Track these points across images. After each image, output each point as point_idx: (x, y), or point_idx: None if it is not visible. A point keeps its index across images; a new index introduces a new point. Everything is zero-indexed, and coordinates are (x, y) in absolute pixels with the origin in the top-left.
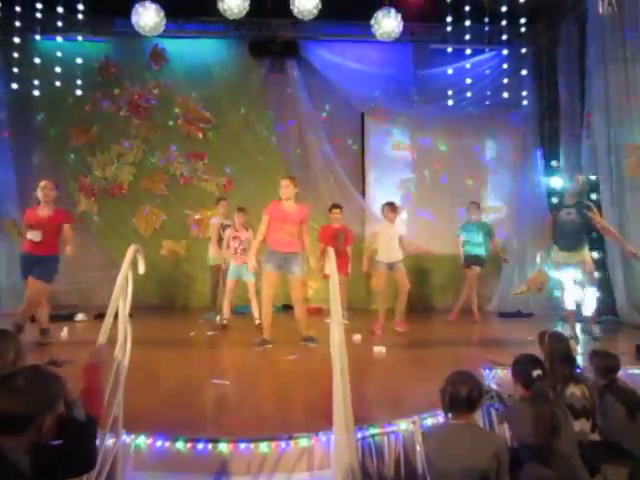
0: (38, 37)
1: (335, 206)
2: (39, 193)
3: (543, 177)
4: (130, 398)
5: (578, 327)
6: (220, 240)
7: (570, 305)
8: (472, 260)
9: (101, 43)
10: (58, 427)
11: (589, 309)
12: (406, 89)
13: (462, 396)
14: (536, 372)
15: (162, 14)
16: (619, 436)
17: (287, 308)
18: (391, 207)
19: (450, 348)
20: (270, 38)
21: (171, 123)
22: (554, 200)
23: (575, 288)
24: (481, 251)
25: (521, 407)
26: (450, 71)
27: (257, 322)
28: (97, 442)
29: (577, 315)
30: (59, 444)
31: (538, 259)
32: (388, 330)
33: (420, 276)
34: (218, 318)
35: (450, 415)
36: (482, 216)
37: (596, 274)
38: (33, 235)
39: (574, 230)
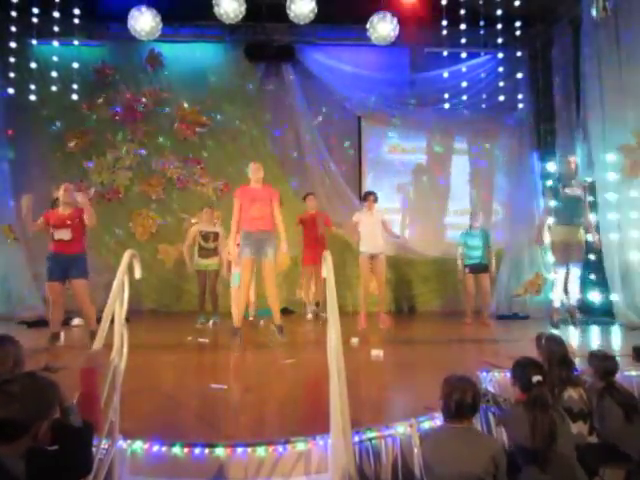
0: (34, 42)
1: (309, 193)
2: (61, 194)
3: (539, 179)
4: (127, 403)
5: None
6: (202, 248)
7: (557, 303)
8: (478, 268)
9: (97, 47)
10: (54, 433)
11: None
12: (402, 92)
13: (468, 402)
14: (536, 378)
15: (158, 18)
16: (617, 439)
17: (285, 311)
18: (370, 196)
19: (447, 351)
20: (266, 42)
21: (167, 127)
22: (549, 183)
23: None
24: (483, 259)
25: (517, 411)
26: (446, 74)
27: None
28: (93, 448)
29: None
30: (55, 450)
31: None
32: (381, 331)
33: (417, 279)
34: (211, 323)
35: (449, 419)
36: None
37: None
38: (63, 234)
39: (576, 205)
